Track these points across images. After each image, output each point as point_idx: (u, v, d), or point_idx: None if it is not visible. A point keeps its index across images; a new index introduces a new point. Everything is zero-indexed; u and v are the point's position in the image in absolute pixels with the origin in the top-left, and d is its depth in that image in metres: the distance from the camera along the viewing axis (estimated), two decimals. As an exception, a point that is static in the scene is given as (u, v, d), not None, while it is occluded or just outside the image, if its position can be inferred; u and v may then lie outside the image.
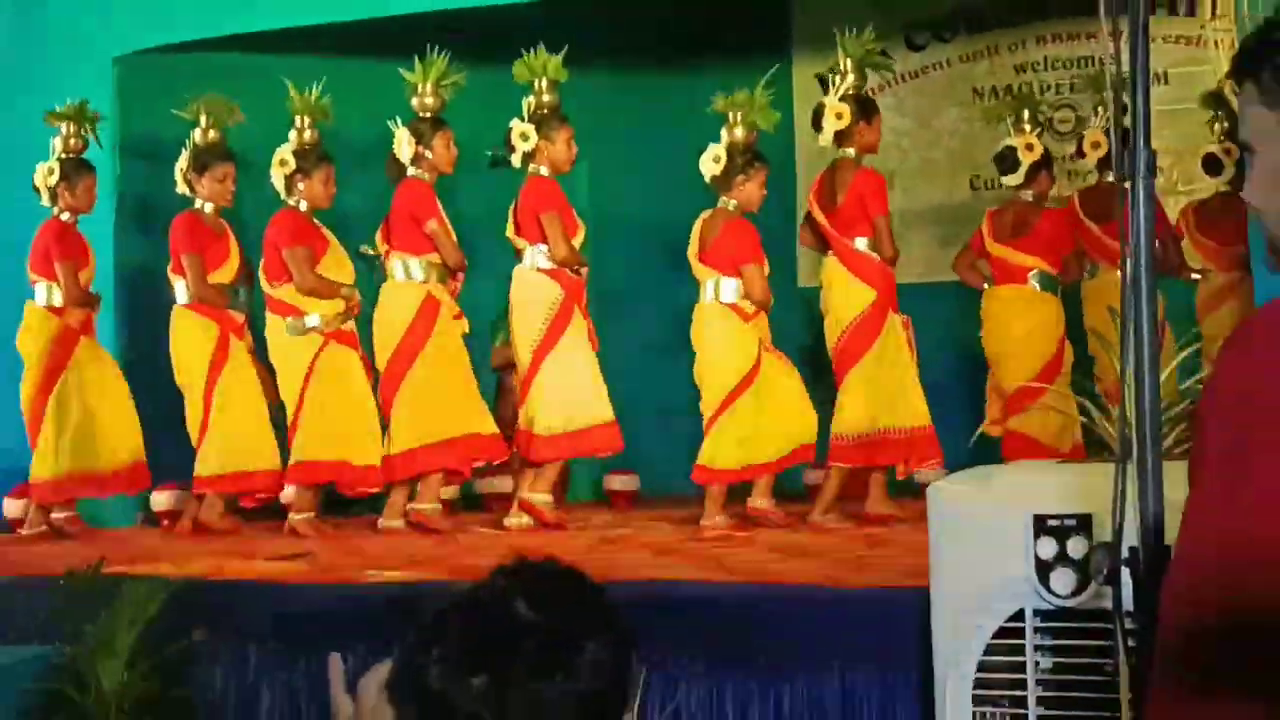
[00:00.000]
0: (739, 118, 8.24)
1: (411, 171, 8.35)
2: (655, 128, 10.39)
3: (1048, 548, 4.05)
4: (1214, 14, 10.08)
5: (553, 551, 2.02)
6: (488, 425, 8.36)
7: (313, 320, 8.38)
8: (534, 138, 8.23)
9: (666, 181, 9.53)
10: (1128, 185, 2.84)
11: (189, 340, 8.61)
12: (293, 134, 8.57)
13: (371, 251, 8.77)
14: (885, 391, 8.09)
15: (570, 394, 8.14)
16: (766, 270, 8.28)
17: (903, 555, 6.42)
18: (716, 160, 8.16)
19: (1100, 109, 9.08)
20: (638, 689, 1.90)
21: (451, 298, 8.42)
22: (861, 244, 8.17)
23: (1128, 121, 2.78)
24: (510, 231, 8.36)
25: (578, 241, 8.28)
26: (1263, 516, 1.90)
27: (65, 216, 8.83)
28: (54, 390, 8.67)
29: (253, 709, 5.92)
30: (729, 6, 10.47)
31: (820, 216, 8.32)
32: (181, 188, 8.78)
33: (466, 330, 8.43)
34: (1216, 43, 10.03)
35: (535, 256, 8.18)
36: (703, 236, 8.23)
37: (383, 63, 8.95)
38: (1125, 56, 2.85)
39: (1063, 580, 4.03)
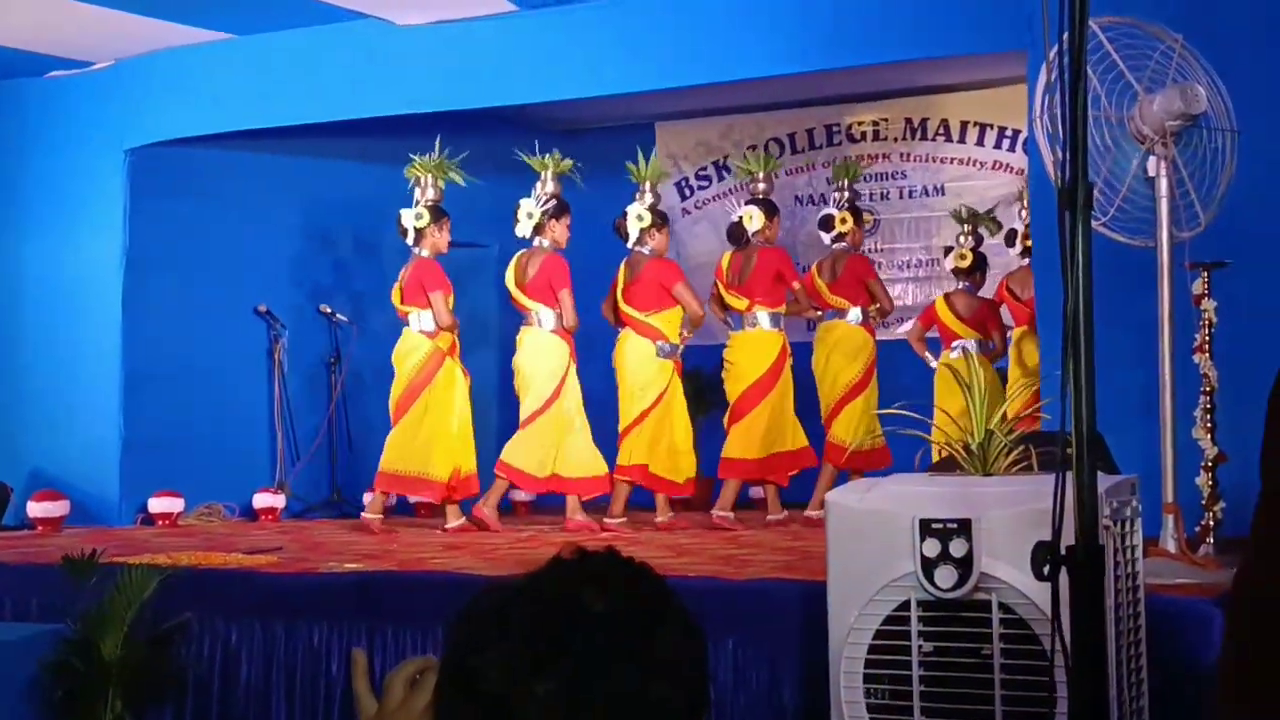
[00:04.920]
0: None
1: (758, 240, 7.98)
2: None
3: (932, 548, 3.55)
4: (980, 141, 9.83)
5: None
6: (803, 441, 7.87)
7: (669, 348, 7.77)
8: (760, 219, 8.02)
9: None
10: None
11: (557, 358, 7.66)
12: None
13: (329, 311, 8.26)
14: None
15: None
16: None
17: (771, 555, 5.92)
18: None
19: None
20: (709, 687, 1.32)
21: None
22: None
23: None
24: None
25: None
26: None
27: (426, 254, 7.82)
28: (415, 403, 7.66)
29: (232, 677, 5.33)
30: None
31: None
32: (524, 230, 7.81)
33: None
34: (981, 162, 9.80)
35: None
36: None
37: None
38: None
39: (945, 576, 3.53)
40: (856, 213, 8.28)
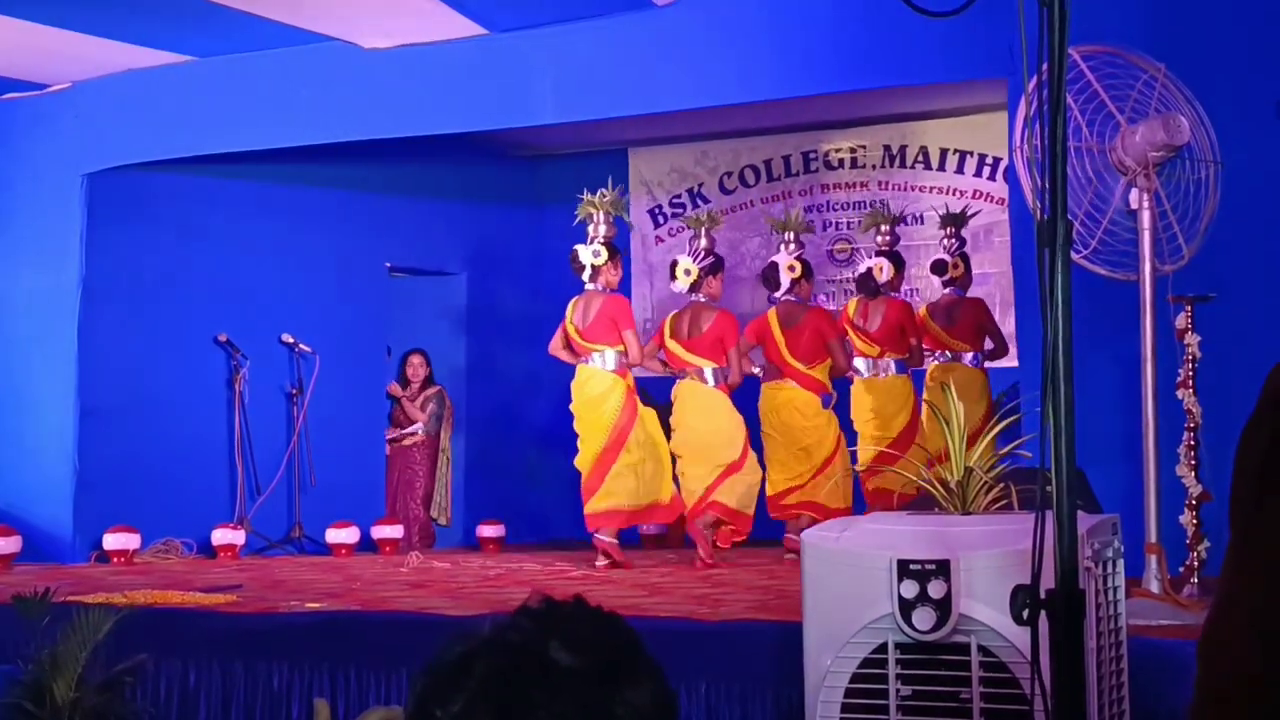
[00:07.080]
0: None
1: (887, 290, 8.43)
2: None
3: (910, 589, 3.55)
4: (960, 169, 9.89)
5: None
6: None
7: (828, 398, 8.15)
8: (889, 270, 8.45)
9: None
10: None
11: (726, 413, 7.94)
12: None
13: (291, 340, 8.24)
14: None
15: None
16: None
17: (745, 594, 5.91)
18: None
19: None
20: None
21: None
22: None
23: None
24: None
25: None
26: None
27: (599, 288, 7.92)
28: (628, 441, 7.72)
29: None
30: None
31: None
32: (681, 286, 8.11)
33: None
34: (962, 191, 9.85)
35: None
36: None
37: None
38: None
39: (923, 618, 3.54)
40: (966, 258, 8.67)
